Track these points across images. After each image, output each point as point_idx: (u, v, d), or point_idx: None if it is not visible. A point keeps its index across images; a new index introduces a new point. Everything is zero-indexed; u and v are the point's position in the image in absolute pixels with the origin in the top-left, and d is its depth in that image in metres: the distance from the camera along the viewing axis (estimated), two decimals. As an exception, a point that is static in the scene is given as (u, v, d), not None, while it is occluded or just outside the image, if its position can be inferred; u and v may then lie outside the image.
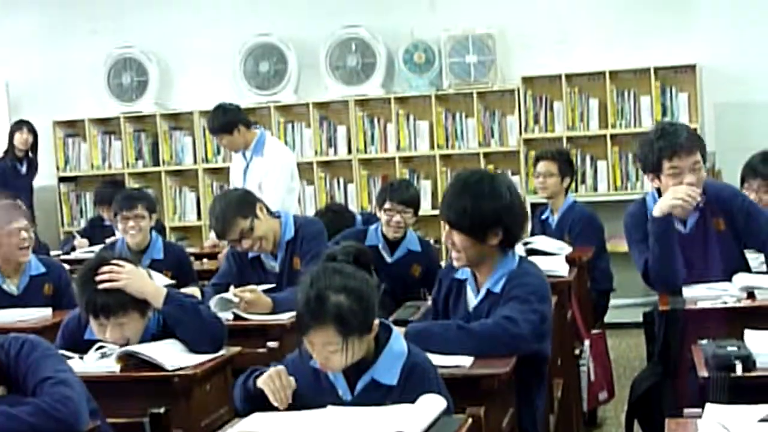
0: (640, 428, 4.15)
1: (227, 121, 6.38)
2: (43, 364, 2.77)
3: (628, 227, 4.19)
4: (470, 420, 2.55)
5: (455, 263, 3.39)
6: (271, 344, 4.02)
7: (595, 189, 7.85)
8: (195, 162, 8.62)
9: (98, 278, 3.34)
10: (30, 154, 8.50)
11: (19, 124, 8.41)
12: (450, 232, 3.33)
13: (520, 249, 5.28)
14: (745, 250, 4.11)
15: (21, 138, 8.34)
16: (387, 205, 5.07)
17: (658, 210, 3.97)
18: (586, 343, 5.14)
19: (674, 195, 3.92)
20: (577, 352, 5.06)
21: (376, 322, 2.69)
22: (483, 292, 3.39)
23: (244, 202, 4.47)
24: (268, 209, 4.53)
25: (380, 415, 2.49)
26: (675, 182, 3.95)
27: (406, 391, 2.63)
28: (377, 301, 2.71)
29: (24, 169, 8.45)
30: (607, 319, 6.06)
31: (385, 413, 2.51)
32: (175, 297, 3.48)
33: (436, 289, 3.63)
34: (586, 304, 5.42)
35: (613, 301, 6.15)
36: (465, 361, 3.07)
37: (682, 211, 3.98)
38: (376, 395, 2.65)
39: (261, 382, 2.73)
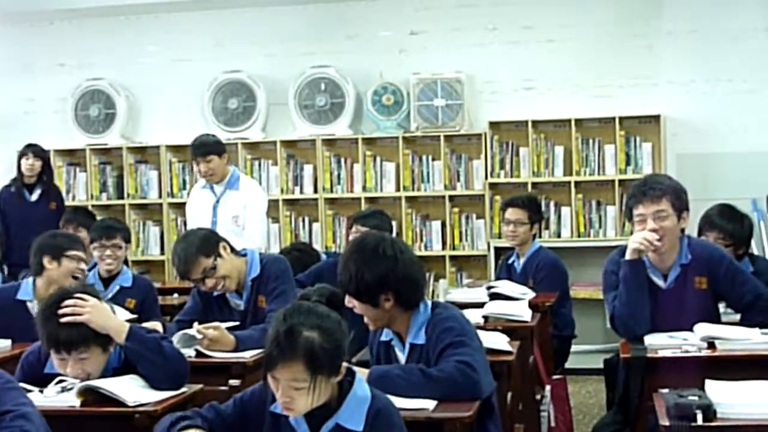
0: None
1: (217, 143, 6.48)
2: (3, 397, 2.74)
3: (606, 272, 4.26)
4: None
5: (369, 326, 3.43)
6: (233, 382, 3.99)
7: (559, 235, 7.91)
8: (160, 196, 8.60)
9: (61, 311, 3.32)
10: (44, 178, 8.01)
11: (25, 149, 8.02)
12: (351, 299, 3.32)
13: (482, 293, 5.37)
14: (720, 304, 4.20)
15: (26, 164, 7.91)
16: (353, 230, 5.09)
17: (627, 254, 4.06)
18: (547, 388, 5.16)
19: (633, 239, 4.07)
20: (538, 397, 5.09)
21: (343, 366, 2.68)
22: (407, 347, 3.41)
23: (207, 241, 4.46)
24: (232, 248, 4.52)
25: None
26: (640, 228, 4.07)
27: None
28: (347, 344, 2.70)
29: (34, 197, 8.01)
30: (567, 365, 6.08)
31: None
32: (137, 333, 3.45)
33: (370, 350, 3.65)
34: (547, 350, 5.44)
35: (573, 347, 6.18)
36: (428, 404, 3.08)
37: (639, 255, 4.06)
38: None
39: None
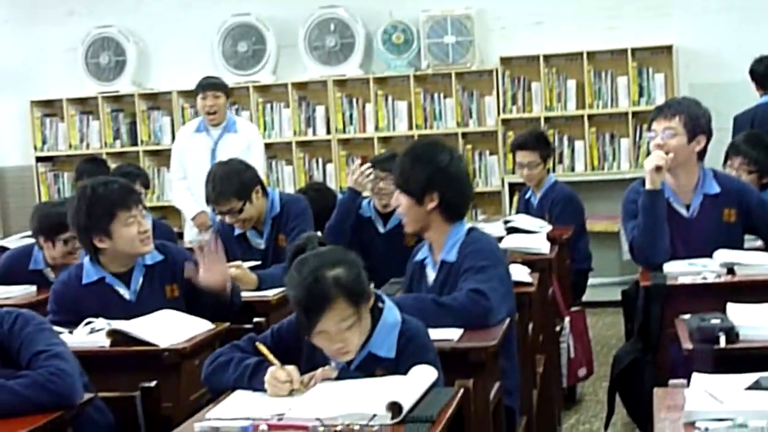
0: (621, 401, 4.21)
1: (218, 82, 6.47)
2: (37, 337, 2.79)
3: (626, 201, 4.26)
4: (462, 391, 2.58)
5: (405, 228, 3.54)
6: (258, 320, 4.03)
7: (572, 169, 7.91)
8: (173, 142, 8.59)
9: None
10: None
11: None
12: (398, 194, 3.48)
13: (500, 227, 5.39)
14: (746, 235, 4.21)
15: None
16: (371, 176, 5.10)
17: (646, 183, 4.07)
18: (567, 320, 5.20)
19: (645, 162, 4.11)
20: (557, 329, 5.13)
21: (372, 290, 2.72)
22: (438, 263, 3.47)
23: (246, 185, 4.48)
24: (264, 190, 4.54)
25: (373, 387, 2.52)
26: (653, 146, 4.08)
27: (402, 362, 2.65)
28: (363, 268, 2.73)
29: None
30: (585, 297, 6.12)
31: (377, 385, 2.53)
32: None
33: (405, 279, 3.70)
34: (565, 283, 5.48)
35: (590, 280, 6.22)
36: (453, 333, 3.12)
37: (654, 176, 4.04)
38: (374, 369, 2.67)
39: (270, 385, 2.64)
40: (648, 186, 4.06)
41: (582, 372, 5.38)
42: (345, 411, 2.34)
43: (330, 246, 2.77)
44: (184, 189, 6.65)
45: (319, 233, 4.90)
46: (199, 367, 3.35)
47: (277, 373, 2.62)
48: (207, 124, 6.46)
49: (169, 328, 3.42)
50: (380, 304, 2.77)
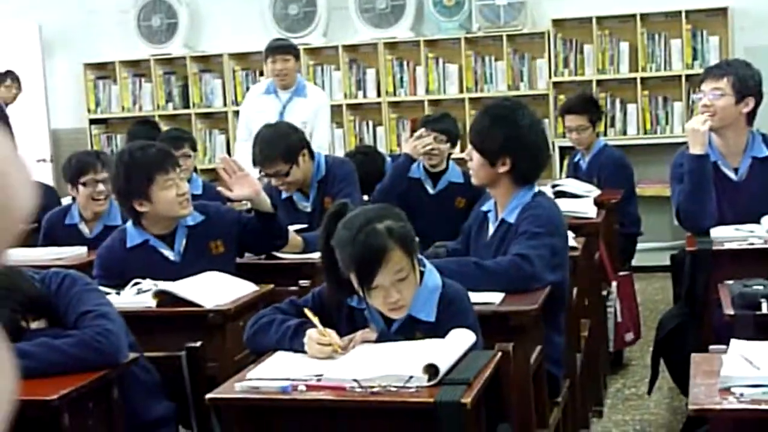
0: (665, 366, 4.20)
1: (290, 44, 6.42)
2: (84, 297, 2.84)
3: (674, 165, 4.23)
4: (500, 354, 2.60)
5: (472, 180, 3.54)
6: (303, 282, 4.07)
7: (624, 132, 7.83)
8: (225, 104, 8.67)
9: None
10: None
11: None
12: (471, 150, 3.46)
13: (548, 191, 5.36)
14: None
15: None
16: (425, 134, 5.10)
17: (690, 145, 4.04)
18: (614, 284, 5.18)
19: (688, 124, 4.09)
20: (604, 293, 5.11)
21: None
22: (498, 221, 3.47)
23: (292, 148, 4.50)
24: (311, 153, 4.57)
25: (411, 350, 2.54)
26: (701, 106, 4.04)
27: (442, 326, 2.66)
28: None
29: None
30: (634, 262, 6.09)
31: (415, 347, 2.55)
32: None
33: (469, 219, 3.70)
34: (613, 247, 5.45)
35: (640, 245, 6.18)
36: (495, 297, 3.12)
37: (696, 139, 4.01)
38: (414, 332, 2.68)
39: (309, 347, 2.66)
40: (692, 150, 4.02)
41: (629, 337, 5.36)
42: (382, 372, 2.37)
43: (376, 205, 2.77)
44: (247, 152, 6.61)
45: (365, 197, 4.94)
46: (243, 328, 3.42)
47: (317, 334, 2.65)
48: (276, 86, 6.45)
49: (215, 290, 3.48)
50: (421, 268, 2.78)
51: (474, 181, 3.53)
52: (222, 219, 3.86)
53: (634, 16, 7.72)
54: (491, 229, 3.50)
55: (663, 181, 7.42)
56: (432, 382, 2.35)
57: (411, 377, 2.34)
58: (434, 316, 2.72)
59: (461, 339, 2.57)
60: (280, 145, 4.46)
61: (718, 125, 4.02)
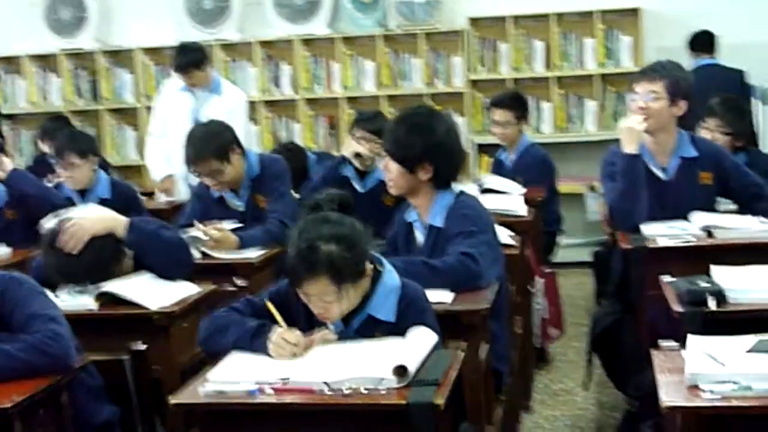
0: (600, 362, 4.26)
1: (197, 57, 6.22)
2: (31, 301, 2.76)
3: (605, 162, 4.29)
4: (462, 354, 2.60)
5: (390, 190, 3.52)
6: (240, 282, 4.03)
7: (539, 131, 7.93)
8: (137, 100, 8.51)
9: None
10: None
11: None
12: (387, 159, 3.45)
13: (473, 189, 5.40)
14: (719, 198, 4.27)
15: None
16: (357, 134, 5.07)
17: (623, 145, 4.11)
18: (541, 281, 5.24)
19: (621, 124, 4.16)
20: (531, 290, 5.16)
21: (369, 264, 2.70)
22: (426, 228, 3.48)
23: (225, 146, 4.42)
24: (243, 151, 4.51)
25: (375, 350, 2.53)
26: (635, 108, 4.11)
27: (402, 326, 2.65)
28: (368, 244, 2.73)
29: None
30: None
31: (380, 348, 2.54)
32: (136, 224, 3.50)
33: (391, 230, 3.70)
34: (538, 244, 5.51)
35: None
36: (446, 296, 3.13)
37: (631, 138, 4.08)
38: (373, 332, 2.67)
39: (275, 347, 2.62)
40: (626, 149, 4.09)
41: (554, 332, 5.43)
42: (351, 375, 2.35)
43: (342, 217, 2.73)
44: (159, 148, 6.50)
45: (295, 194, 4.90)
46: (188, 330, 3.37)
47: (286, 334, 2.62)
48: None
49: (157, 291, 3.40)
50: (379, 267, 2.77)
51: (393, 191, 3.52)
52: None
53: (548, 15, 7.83)
54: (420, 238, 3.51)
55: (576, 178, 7.58)
56: (403, 384, 2.34)
57: (382, 379, 2.33)
58: (394, 316, 2.71)
59: (425, 339, 2.57)
60: (212, 143, 4.40)
61: (652, 127, 4.11)
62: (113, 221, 3.46)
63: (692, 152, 4.19)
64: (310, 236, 2.62)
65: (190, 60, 6.18)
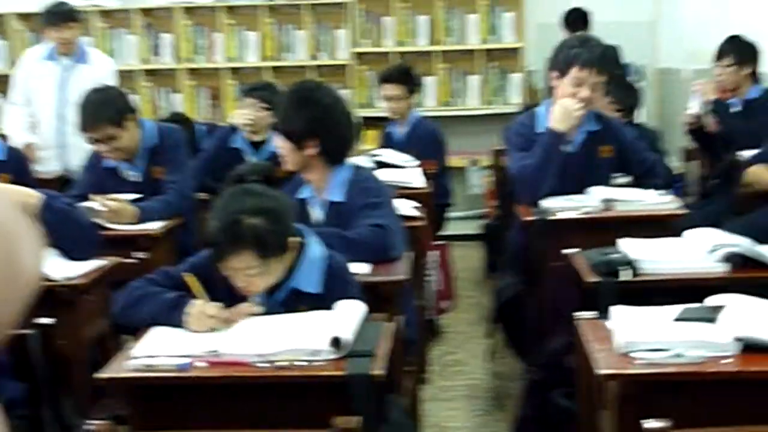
0: (502, 333, 4.33)
1: (72, 10, 6.00)
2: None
3: (514, 133, 4.29)
4: (393, 325, 2.60)
5: (284, 166, 3.46)
6: (141, 255, 3.93)
7: (423, 105, 7.96)
8: (10, 67, 8.17)
9: None
10: None
11: None
12: (277, 136, 3.45)
13: (367, 161, 5.40)
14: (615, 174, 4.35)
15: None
16: (247, 101, 5.01)
17: (555, 123, 4.09)
18: (435, 253, 5.27)
19: (563, 105, 4.07)
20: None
21: (293, 237, 2.67)
22: (326, 204, 3.44)
23: (120, 112, 4.29)
24: (137, 119, 4.38)
25: (306, 323, 2.50)
26: (571, 91, 4.08)
27: (330, 298, 2.63)
28: (292, 216, 2.69)
29: None
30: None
31: (310, 320, 2.51)
32: (51, 203, 3.31)
33: None
34: (431, 217, 5.54)
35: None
36: (364, 268, 3.12)
37: (565, 117, 4.07)
38: (298, 305, 2.63)
39: (194, 319, 2.55)
40: (557, 125, 4.07)
41: (445, 304, 5.48)
42: (286, 347, 2.31)
43: (265, 189, 2.68)
44: (20, 115, 6.22)
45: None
46: (95, 303, 3.27)
47: (206, 307, 2.56)
48: (57, 52, 6.08)
49: (60, 262, 3.28)
50: (302, 240, 2.73)
51: (286, 167, 3.47)
52: None
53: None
54: (318, 213, 3.47)
55: (459, 152, 7.66)
56: (339, 355, 2.31)
57: (317, 351, 2.30)
58: (322, 287, 2.68)
59: (355, 310, 2.55)
60: (107, 108, 4.26)
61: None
62: (27, 197, 3.21)
63: (595, 126, 4.26)
64: (234, 209, 2.58)
65: (71, 14, 5.97)
